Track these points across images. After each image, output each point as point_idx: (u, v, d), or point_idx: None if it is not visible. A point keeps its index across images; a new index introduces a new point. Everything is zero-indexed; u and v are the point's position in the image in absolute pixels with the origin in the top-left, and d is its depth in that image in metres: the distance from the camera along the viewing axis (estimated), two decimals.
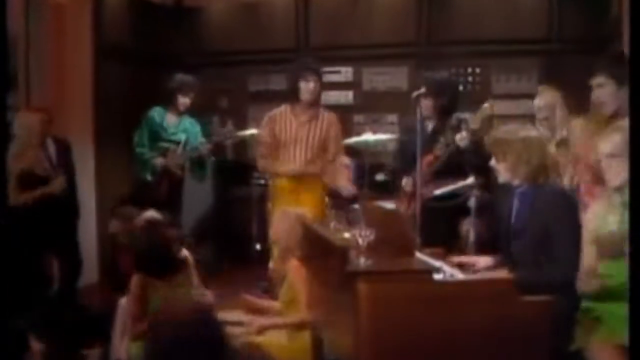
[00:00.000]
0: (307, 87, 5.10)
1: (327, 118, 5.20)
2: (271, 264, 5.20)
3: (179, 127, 5.95)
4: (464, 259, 3.49)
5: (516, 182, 3.31)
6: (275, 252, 5.00)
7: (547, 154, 3.35)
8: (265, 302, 4.08)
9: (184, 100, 5.90)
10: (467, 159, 4.64)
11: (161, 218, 4.13)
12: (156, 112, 5.94)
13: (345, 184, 5.12)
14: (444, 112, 4.96)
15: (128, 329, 3.94)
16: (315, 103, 5.18)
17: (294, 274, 3.67)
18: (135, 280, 3.86)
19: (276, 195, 5.25)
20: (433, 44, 6.88)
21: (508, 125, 3.51)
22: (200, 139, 5.95)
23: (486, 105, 4.72)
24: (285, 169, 5.16)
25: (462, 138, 4.69)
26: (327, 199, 5.30)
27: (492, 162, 3.37)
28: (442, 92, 4.94)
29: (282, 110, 5.23)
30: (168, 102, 5.93)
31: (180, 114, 5.95)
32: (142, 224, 4.02)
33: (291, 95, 5.18)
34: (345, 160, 5.28)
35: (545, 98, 4.55)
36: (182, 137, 5.92)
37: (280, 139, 5.16)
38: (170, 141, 5.93)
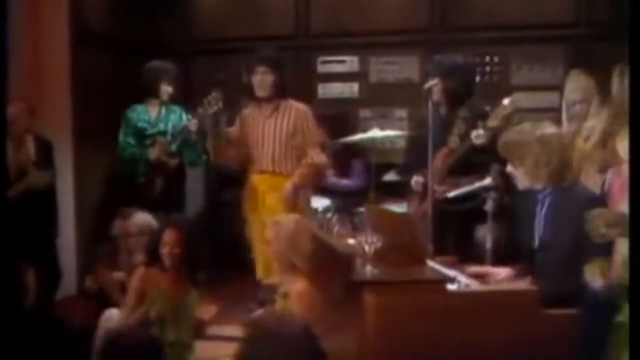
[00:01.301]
0: (256, 81, 5.13)
1: (294, 109, 5.17)
2: (259, 275, 5.21)
3: (163, 117, 6.00)
4: (481, 269, 3.49)
5: (538, 186, 3.31)
6: (258, 260, 5.02)
7: (569, 151, 3.34)
8: None
9: (167, 88, 5.95)
10: (483, 159, 4.65)
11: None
12: (135, 111, 6.00)
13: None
14: (456, 99, 4.97)
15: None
16: (274, 96, 5.17)
17: (296, 300, 3.60)
18: (138, 273, 3.95)
19: (246, 196, 5.34)
20: (447, 30, 6.88)
21: (521, 125, 3.50)
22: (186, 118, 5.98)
23: (507, 101, 4.72)
24: (255, 167, 5.23)
25: (478, 136, 4.70)
26: (306, 204, 5.29)
27: (509, 168, 3.38)
28: (452, 74, 4.95)
29: (250, 108, 5.28)
30: (149, 93, 5.98)
31: (162, 103, 5.99)
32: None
33: (249, 93, 5.23)
34: (321, 158, 5.23)
35: (579, 83, 4.55)
36: (167, 126, 5.96)
37: (249, 137, 5.21)
38: (157, 134, 5.97)
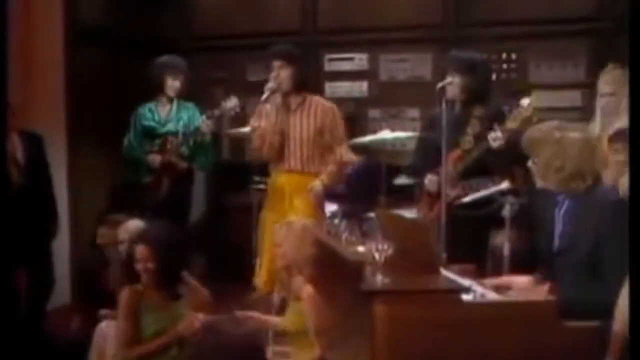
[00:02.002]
0: (274, 76, 5.24)
1: (321, 106, 5.26)
2: (257, 282, 5.22)
3: (174, 116, 6.00)
4: (497, 281, 3.47)
5: (551, 188, 3.30)
6: (262, 266, 5.03)
7: (587, 158, 3.27)
8: (270, 319, 4.08)
9: (172, 83, 5.94)
10: (501, 162, 4.64)
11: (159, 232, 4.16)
12: (146, 108, 6.00)
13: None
14: (473, 97, 4.96)
15: (110, 358, 3.97)
16: (295, 91, 5.25)
17: (308, 304, 3.63)
18: (125, 294, 3.89)
19: (269, 199, 5.37)
20: (461, 25, 6.88)
21: (549, 121, 3.47)
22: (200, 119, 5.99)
23: (526, 101, 4.70)
24: (280, 166, 5.28)
25: (495, 138, 4.68)
26: (325, 207, 5.33)
27: (529, 163, 3.37)
28: (471, 70, 4.95)
29: (271, 102, 5.31)
30: (156, 91, 5.97)
31: (171, 100, 5.99)
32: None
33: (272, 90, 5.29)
34: (350, 155, 5.29)
35: (613, 77, 4.53)
36: (179, 125, 5.96)
37: (273, 133, 5.24)
38: (167, 133, 5.96)
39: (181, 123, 5.95)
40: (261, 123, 5.27)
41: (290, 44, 5.59)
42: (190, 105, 6.10)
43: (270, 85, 5.21)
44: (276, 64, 5.23)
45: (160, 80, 5.94)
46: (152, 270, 3.86)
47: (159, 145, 5.94)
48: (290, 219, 4.23)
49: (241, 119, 6.02)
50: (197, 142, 5.91)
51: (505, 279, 3.51)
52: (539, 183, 3.33)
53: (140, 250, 3.88)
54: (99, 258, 5.07)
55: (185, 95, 6.08)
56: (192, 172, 6.12)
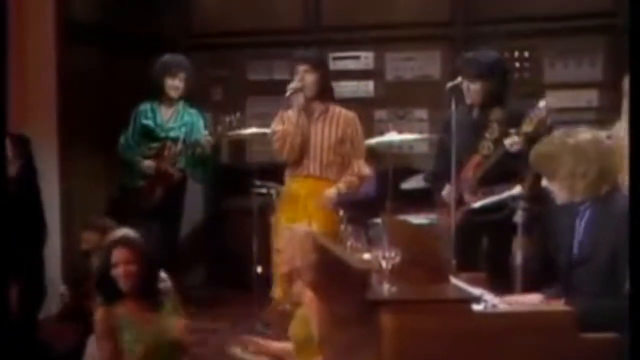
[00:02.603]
0: (298, 81, 5.26)
1: (344, 115, 5.34)
2: (274, 293, 5.22)
3: (177, 121, 6.01)
4: (509, 299, 3.45)
5: (577, 199, 3.29)
6: (278, 277, 5.03)
7: (608, 158, 3.30)
8: (277, 345, 4.07)
9: (173, 83, 5.96)
10: (518, 166, 4.63)
11: (137, 237, 4.16)
12: (148, 106, 6.01)
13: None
14: (491, 101, 4.96)
15: None
16: (319, 98, 5.31)
17: (310, 308, 3.64)
18: (100, 314, 3.89)
19: (282, 203, 5.43)
20: (471, 22, 6.88)
21: (552, 134, 3.47)
22: (204, 132, 5.99)
23: (542, 103, 4.70)
24: (296, 171, 5.33)
25: (513, 143, 4.69)
26: (341, 213, 5.33)
27: (544, 183, 3.36)
28: (492, 73, 4.97)
29: (293, 109, 5.35)
30: (157, 92, 5.98)
31: (173, 102, 6.01)
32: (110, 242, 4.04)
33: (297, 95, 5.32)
34: (367, 170, 5.36)
35: None
36: (181, 131, 5.97)
37: (293, 139, 5.29)
38: (167, 139, 5.98)
39: (183, 130, 5.97)
40: (283, 126, 5.29)
41: (290, 48, 5.62)
42: (194, 111, 6.12)
43: (293, 85, 5.24)
44: (301, 68, 5.28)
45: (160, 81, 5.95)
46: (134, 273, 3.84)
47: (156, 149, 5.95)
48: (293, 224, 4.23)
49: (241, 120, 6.00)
50: (195, 154, 5.93)
51: (514, 298, 3.48)
52: (563, 197, 3.31)
53: (120, 252, 3.86)
54: (88, 265, 5.07)
55: (189, 95, 6.10)
56: (185, 180, 6.14)
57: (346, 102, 5.51)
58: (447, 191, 4.97)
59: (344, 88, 7.03)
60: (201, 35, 7.48)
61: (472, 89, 4.89)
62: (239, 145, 7.12)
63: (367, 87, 7.15)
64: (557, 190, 3.32)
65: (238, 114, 5.88)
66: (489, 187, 4.80)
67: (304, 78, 5.26)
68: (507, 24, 6.73)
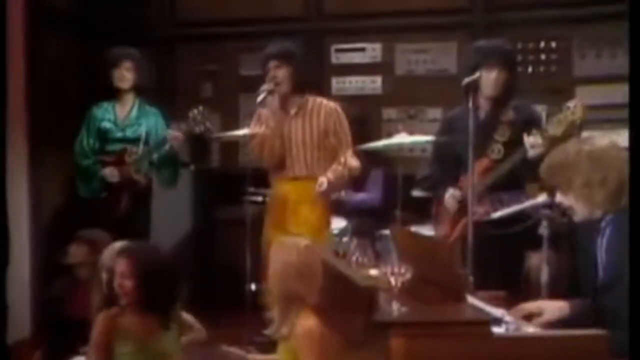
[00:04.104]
0: (269, 77, 5.38)
1: (324, 107, 5.43)
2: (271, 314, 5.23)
3: (134, 118, 6.07)
4: (527, 306, 3.46)
5: (597, 214, 3.30)
6: (272, 300, 5.03)
7: (625, 164, 3.29)
8: None
9: (120, 73, 6.01)
10: (536, 173, 4.64)
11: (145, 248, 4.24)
12: (101, 108, 6.08)
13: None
14: (503, 97, 5.00)
15: None
16: (295, 92, 5.42)
17: (303, 341, 3.61)
18: (99, 321, 3.95)
19: (271, 210, 5.52)
20: (491, 9, 6.89)
21: (565, 143, 3.49)
22: (165, 130, 6.04)
23: (573, 103, 4.69)
24: (284, 174, 5.43)
25: (534, 146, 4.68)
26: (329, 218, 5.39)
27: (558, 198, 3.38)
28: (512, 63, 5.01)
29: (269, 107, 5.46)
30: (108, 90, 6.05)
31: (127, 98, 6.07)
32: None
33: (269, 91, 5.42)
34: (355, 161, 5.37)
35: None
36: (140, 130, 6.02)
37: (273, 139, 5.39)
38: (126, 140, 6.02)
39: (142, 130, 6.02)
40: (260, 129, 5.36)
41: (287, 39, 5.67)
42: (154, 110, 6.17)
43: (265, 86, 5.35)
44: (272, 64, 5.39)
45: (107, 75, 6.03)
46: (130, 288, 3.93)
47: (116, 155, 5.99)
48: (284, 238, 4.21)
49: (234, 121, 6.03)
50: (160, 154, 5.97)
51: (534, 305, 3.48)
52: (580, 211, 3.33)
53: (120, 264, 3.98)
54: (68, 281, 5.12)
55: (159, 90, 6.12)
56: (149, 189, 6.16)
57: (350, 100, 5.53)
58: (450, 195, 4.99)
59: (348, 84, 7.06)
60: (187, 25, 7.50)
61: (492, 79, 4.89)
62: (231, 148, 7.12)
63: (374, 83, 7.16)
64: (574, 204, 3.33)
65: (201, 108, 5.90)
66: (496, 195, 4.82)
67: (275, 75, 5.35)
68: (531, 10, 6.74)
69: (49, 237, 6.20)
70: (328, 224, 5.46)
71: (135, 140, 6.05)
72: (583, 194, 3.29)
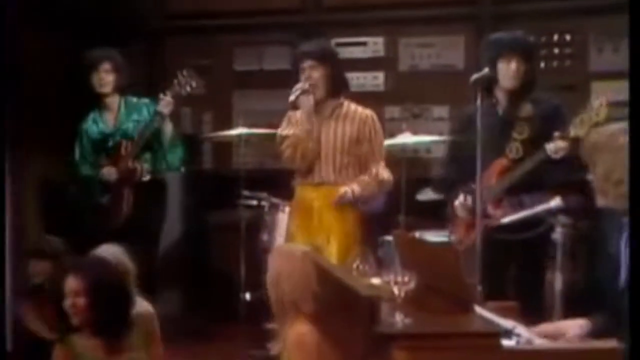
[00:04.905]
0: (304, 78, 5.31)
1: (359, 113, 5.39)
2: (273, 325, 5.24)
3: (126, 118, 6.05)
4: (545, 327, 3.45)
5: (611, 205, 3.29)
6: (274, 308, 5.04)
7: None
8: None
9: (98, 77, 5.97)
10: (561, 176, 4.64)
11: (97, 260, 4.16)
12: (89, 122, 6.08)
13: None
14: (521, 92, 4.98)
15: None
16: (330, 94, 5.36)
17: (294, 349, 3.62)
18: (56, 353, 3.93)
19: (295, 217, 5.48)
20: (501, 0, 6.89)
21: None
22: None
23: (598, 102, 4.65)
24: (308, 179, 5.38)
25: (558, 149, 4.65)
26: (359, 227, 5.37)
27: (590, 176, 3.37)
28: (530, 54, 4.99)
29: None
30: (93, 98, 6.03)
31: (111, 102, 6.04)
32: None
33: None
34: (387, 174, 5.36)
35: None
36: (133, 127, 5.99)
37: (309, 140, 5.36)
38: (120, 140, 6.00)
39: (135, 124, 6.00)
40: (293, 131, 5.34)
41: (284, 32, 5.63)
42: (144, 101, 6.12)
43: (300, 85, 5.28)
44: (306, 64, 5.32)
45: (87, 81, 5.99)
46: (83, 307, 3.86)
47: (112, 154, 5.97)
48: (284, 246, 4.21)
49: (227, 119, 6.03)
50: (158, 138, 5.93)
51: (551, 326, 3.47)
52: (599, 200, 3.32)
53: (69, 282, 3.89)
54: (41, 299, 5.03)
55: (148, 86, 6.11)
56: (159, 182, 6.13)
57: (352, 97, 5.50)
58: (461, 201, 4.98)
59: (349, 81, 7.03)
60: (178, 17, 7.51)
61: (512, 70, 4.87)
62: (224, 148, 7.12)
63: (376, 80, 7.16)
64: (595, 188, 3.32)
65: (185, 71, 5.87)
66: (516, 198, 4.80)
67: (310, 76, 5.30)
68: (544, 1, 6.76)
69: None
70: (357, 233, 5.32)
71: (127, 137, 6.03)
72: (599, 185, 3.27)
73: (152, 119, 5.94)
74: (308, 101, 5.30)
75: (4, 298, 5.26)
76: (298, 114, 5.38)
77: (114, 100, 6.11)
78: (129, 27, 7.03)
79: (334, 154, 5.33)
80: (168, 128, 5.97)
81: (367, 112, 5.40)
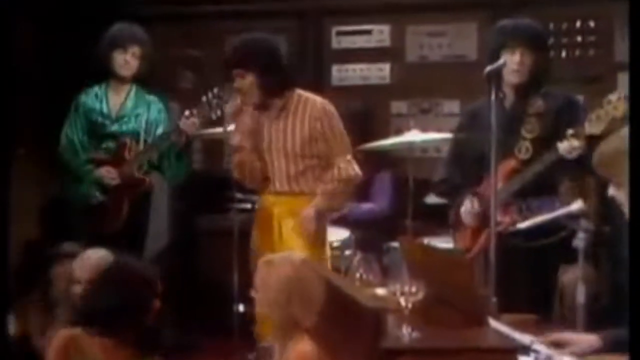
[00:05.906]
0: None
1: (310, 105, 5.26)
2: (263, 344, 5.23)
3: (129, 109, 5.99)
4: (558, 336, 3.45)
5: None
6: (262, 322, 5.03)
7: None
8: None
9: (124, 58, 5.88)
10: (573, 175, 4.63)
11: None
12: (91, 95, 5.98)
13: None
14: (533, 85, 4.95)
15: None
16: (269, 96, 5.23)
17: None
18: (60, 337, 3.96)
19: (256, 225, 5.44)
20: None
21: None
22: (167, 122, 6.00)
23: (615, 96, 4.63)
24: (268, 187, 5.33)
25: (572, 149, 4.63)
26: (327, 234, 5.34)
27: (611, 191, 3.37)
28: (543, 44, 4.99)
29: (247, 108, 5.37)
30: (103, 72, 5.97)
31: (124, 85, 5.97)
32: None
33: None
34: (353, 169, 5.26)
35: None
36: (136, 123, 5.94)
37: (253, 148, 5.31)
38: (121, 135, 5.94)
39: (142, 122, 5.95)
40: (241, 141, 5.30)
41: (281, 19, 5.60)
42: (154, 99, 6.07)
43: (230, 104, 5.33)
44: (234, 72, 5.20)
45: (107, 57, 5.90)
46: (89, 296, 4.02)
47: (112, 151, 5.92)
48: (274, 256, 4.18)
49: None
50: (171, 147, 5.89)
51: (563, 336, 3.47)
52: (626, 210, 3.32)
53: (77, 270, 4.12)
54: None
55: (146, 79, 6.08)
56: (152, 190, 6.12)
57: (354, 91, 5.52)
58: (467, 208, 4.95)
59: (351, 73, 7.07)
60: (165, 2, 7.51)
61: (515, 63, 4.84)
62: (215, 147, 7.12)
63: (381, 72, 7.17)
64: (624, 200, 3.32)
65: (216, 90, 5.76)
66: (526, 201, 4.79)
67: (239, 87, 5.20)
68: None
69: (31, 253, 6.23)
70: (322, 241, 5.29)
71: (131, 135, 5.96)
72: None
73: (170, 132, 5.87)
74: (243, 118, 5.27)
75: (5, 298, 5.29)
76: (246, 118, 5.31)
77: (125, 86, 6.03)
78: (113, 15, 7.02)
79: (286, 161, 5.23)
80: (182, 140, 5.89)
81: (318, 103, 5.25)
